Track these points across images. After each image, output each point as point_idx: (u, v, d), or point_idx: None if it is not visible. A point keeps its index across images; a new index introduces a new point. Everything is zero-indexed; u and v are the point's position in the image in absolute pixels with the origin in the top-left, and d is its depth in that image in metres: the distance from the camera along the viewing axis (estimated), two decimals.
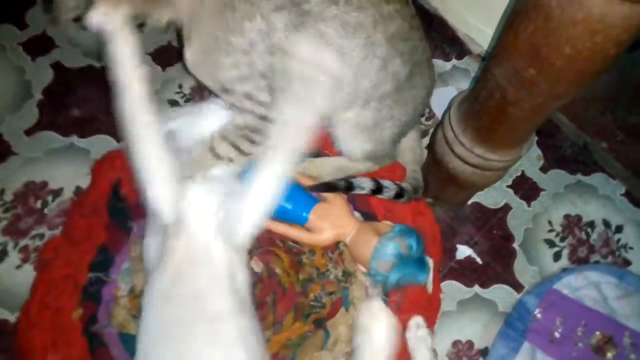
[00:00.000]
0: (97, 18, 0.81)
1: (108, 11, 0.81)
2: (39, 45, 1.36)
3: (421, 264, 0.99)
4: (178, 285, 0.86)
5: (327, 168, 1.14)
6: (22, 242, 1.10)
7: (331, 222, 1.02)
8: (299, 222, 1.04)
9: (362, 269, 1.05)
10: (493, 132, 0.93)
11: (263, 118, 0.93)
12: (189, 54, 0.93)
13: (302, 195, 1.05)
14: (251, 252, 1.07)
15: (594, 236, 1.26)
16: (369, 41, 0.91)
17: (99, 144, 1.23)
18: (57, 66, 1.34)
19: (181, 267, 0.87)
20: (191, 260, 0.88)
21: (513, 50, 0.77)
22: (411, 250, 0.98)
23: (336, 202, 1.05)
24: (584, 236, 1.26)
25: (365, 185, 1.07)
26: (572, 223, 1.27)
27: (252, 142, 0.96)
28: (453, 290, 1.19)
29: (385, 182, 1.09)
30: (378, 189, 1.08)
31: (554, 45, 0.70)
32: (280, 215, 1.02)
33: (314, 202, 1.04)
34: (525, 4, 0.73)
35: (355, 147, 1.07)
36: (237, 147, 0.96)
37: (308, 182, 1.07)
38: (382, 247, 0.97)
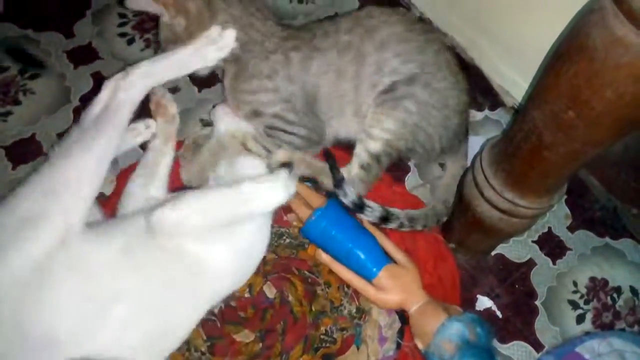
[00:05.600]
0: None
1: None
2: (83, 55, 1.40)
3: (489, 356, 0.90)
4: None
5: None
6: None
7: (401, 285, 0.98)
8: (367, 274, 1.00)
9: (420, 345, 0.96)
10: (525, 177, 0.91)
11: (291, 133, 1.09)
12: (229, 82, 1.12)
13: (378, 250, 1.02)
14: (266, 276, 1.05)
15: (620, 302, 1.21)
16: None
17: (128, 153, 1.21)
18: (96, 76, 1.37)
19: None
20: None
21: (553, 92, 0.76)
22: (479, 339, 0.90)
23: (410, 270, 1.01)
24: (609, 301, 1.21)
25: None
26: (597, 286, 1.22)
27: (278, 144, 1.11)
28: None
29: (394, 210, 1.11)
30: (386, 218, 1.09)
31: (596, 88, 0.69)
32: (350, 261, 1.00)
33: (388, 262, 1.01)
34: (568, 46, 0.73)
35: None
36: (266, 148, 1.10)
37: (383, 240, 1.06)
38: (450, 325, 0.90)
